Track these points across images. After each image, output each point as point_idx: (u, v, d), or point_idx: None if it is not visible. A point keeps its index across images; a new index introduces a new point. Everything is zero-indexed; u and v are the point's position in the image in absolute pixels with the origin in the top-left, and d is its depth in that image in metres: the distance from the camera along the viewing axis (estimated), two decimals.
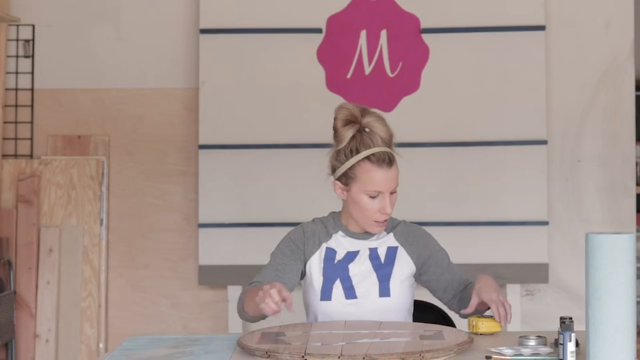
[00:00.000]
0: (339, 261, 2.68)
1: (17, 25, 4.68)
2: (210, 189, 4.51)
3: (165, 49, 4.66)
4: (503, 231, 4.47)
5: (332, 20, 4.54)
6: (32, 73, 4.69)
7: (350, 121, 2.60)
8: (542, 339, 2.32)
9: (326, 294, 2.66)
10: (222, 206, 4.50)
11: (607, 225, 4.56)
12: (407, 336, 2.38)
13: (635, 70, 4.63)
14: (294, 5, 4.54)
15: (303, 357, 2.16)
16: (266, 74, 4.53)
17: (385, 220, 2.64)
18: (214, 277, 4.52)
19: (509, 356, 2.19)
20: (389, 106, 4.48)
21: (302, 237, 2.70)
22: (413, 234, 2.74)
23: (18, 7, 4.67)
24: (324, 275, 2.67)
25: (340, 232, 2.71)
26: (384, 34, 4.52)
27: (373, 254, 2.68)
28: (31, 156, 4.68)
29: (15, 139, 4.69)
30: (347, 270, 2.67)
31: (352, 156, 2.58)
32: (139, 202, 4.68)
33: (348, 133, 2.59)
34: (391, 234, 2.72)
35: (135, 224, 4.67)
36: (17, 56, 4.69)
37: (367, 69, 4.52)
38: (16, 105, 4.69)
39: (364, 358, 2.14)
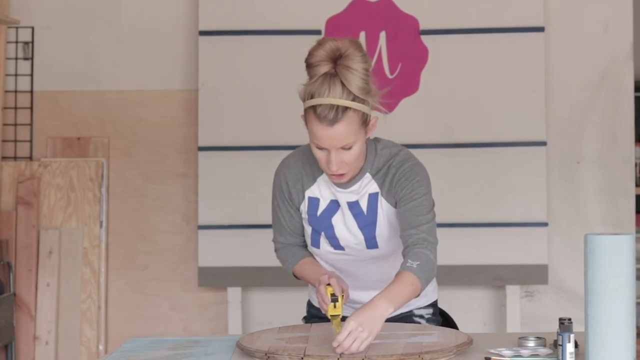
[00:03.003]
0: (322, 213, 2.56)
1: (17, 28, 4.68)
2: (210, 191, 4.51)
3: (164, 51, 4.67)
4: (502, 232, 4.47)
5: (331, 21, 4.54)
6: (32, 75, 4.69)
7: (326, 59, 2.38)
8: (541, 340, 2.32)
9: (315, 242, 2.60)
10: (222, 208, 4.50)
11: (607, 226, 4.56)
12: (407, 337, 2.38)
13: (634, 71, 4.63)
14: (293, 7, 4.54)
15: (302, 358, 2.16)
16: (265, 75, 4.53)
17: (340, 175, 2.44)
18: (214, 278, 4.52)
19: (508, 357, 2.19)
20: (388, 108, 4.48)
21: (286, 187, 2.60)
22: (394, 174, 2.51)
23: (17, 9, 4.67)
24: (310, 225, 2.60)
25: (324, 175, 2.54)
26: (383, 35, 4.52)
27: (355, 208, 2.53)
28: (31, 158, 4.69)
29: (15, 141, 4.69)
30: (332, 226, 2.56)
31: (306, 99, 2.39)
32: (139, 204, 4.68)
33: (319, 70, 2.39)
34: (373, 180, 2.53)
35: (134, 226, 4.68)
36: (16, 58, 4.69)
37: None
38: (15, 108, 4.69)
39: (363, 359, 2.15)
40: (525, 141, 4.49)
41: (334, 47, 2.38)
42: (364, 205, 2.53)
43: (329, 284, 2.40)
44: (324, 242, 2.59)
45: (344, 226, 2.56)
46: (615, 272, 2.05)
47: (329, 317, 2.36)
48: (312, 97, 2.37)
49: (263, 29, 4.54)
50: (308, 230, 2.61)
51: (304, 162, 2.58)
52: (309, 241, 2.63)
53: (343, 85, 2.34)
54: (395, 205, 2.51)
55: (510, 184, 4.49)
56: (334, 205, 2.56)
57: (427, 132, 4.49)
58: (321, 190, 2.56)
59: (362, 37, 4.51)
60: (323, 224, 2.57)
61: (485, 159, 4.49)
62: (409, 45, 4.52)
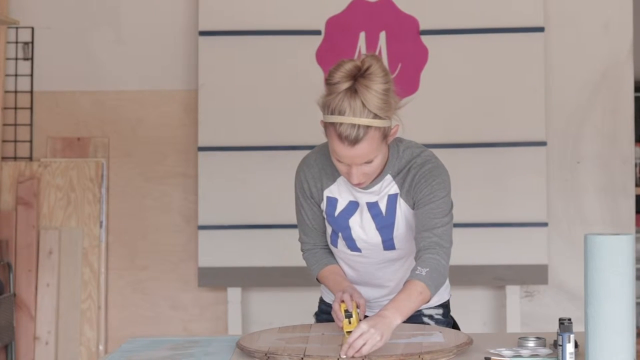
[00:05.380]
0: (339, 214, 2.56)
1: (17, 28, 4.68)
2: (210, 191, 4.51)
3: (164, 51, 4.67)
4: (502, 232, 4.47)
5: (331, 21, 4.54)
6: (32, 75, 4.69)
7: (346, 77, 2.34)
8: (541, 340, 2.32)
9: (333, 242, 2.62)
10: (222, 208, 4.50)
11: (607, 226, 4.56)
12: (406, 337, 2.38)
13: (634, 71, 4.63)
14: (293, 7, 4.54)
15: (302, 358, 2.16)
16: (265, 75, 4.53)
17: (361, 183, 2.44)
18: (214, 278, 4.52)
19: (508, 357, 2.19)
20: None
21: (307, 186, 2.58)
22: (414, 176, 2.50)
23: (17, 9, 4.67)
24: (330, 225, 2.60)
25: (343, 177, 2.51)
26: (383, 35, 4.52)
27: (374, 209, 2.53)
28: (31, 158, 4.69)
29: (15, 141, 4.69)
30: (349, 227, 2.56)
31: (326, 113, 2.36)
32: (139, 204, 4.68)
33: (339, 88, 2.34)
34: (394, 181, 2.52)
35: (134, 226, 4.68)
36: (16, 58, 4.69)
37: None
38: (15, 108, 4.69)
39: (363, 359, 2.15)
40: (525, 141, 4.49)
41: (353, 66, 2.36)
42: (383, 206, 2.53)
43: (342, 301, 2.42)
44: (341, 243, 2.60)
45: (361, 228, 2.55)
46: (615, 272, 2.05)
47: (345, 333, 2.38)
48: (332, 113, 2.34)
49: (263, 29, 4.54)
50: (328, 229, 2.62)
51: (324, 162, 2.56)
52: (328, 240, 2.64)
53: (363, 104, 2.33)
54: (413, 206, 2.51)
55: (510, 184, 4.49)
56: (352, 206, 2.55)
57: (427, 133, 4.48)
58: (340, 191, 2.56)
59: (362, 37, 4.52)
60: (340, 225, 2.57)
61: (485, 159, 4.49)
62: (409, 46, 4.53)
